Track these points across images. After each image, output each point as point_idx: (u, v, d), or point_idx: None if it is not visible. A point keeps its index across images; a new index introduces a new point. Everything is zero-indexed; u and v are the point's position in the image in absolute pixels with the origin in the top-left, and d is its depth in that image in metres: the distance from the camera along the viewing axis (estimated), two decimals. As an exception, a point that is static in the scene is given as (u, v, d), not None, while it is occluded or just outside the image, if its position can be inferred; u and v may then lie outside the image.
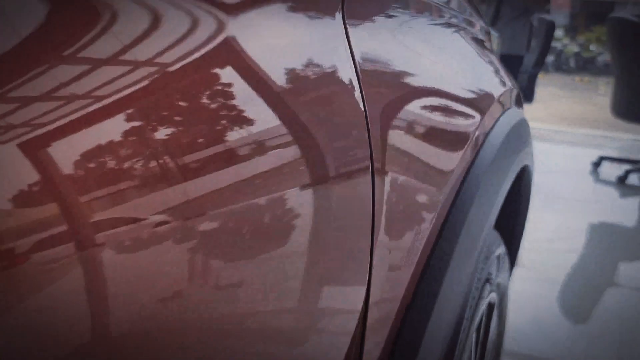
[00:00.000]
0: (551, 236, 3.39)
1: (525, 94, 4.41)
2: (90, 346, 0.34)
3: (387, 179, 0.62)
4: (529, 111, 1.53)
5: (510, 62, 4.08)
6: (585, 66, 18.67)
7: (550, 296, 2.78)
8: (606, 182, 4.51)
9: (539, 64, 4.52)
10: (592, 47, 19.02)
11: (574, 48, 17.99)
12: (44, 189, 0.32)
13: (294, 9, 0.53)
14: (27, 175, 0.31)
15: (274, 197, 0.48)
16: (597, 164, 4.64)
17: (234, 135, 0.44)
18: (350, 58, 0.56)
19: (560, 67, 17.47)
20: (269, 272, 0.49)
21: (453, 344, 0.76)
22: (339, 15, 0.57)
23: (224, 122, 0.45)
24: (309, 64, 0.52)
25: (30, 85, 0.34)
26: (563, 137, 6.10)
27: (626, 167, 4.40)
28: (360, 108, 0.55)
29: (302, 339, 0.56)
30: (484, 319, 0.94)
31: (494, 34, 1.45)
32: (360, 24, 0.61)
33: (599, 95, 10.12)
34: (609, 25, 4.03)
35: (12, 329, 0.30)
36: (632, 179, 4.39)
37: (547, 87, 9.82)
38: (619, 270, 3.18)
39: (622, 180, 4.32)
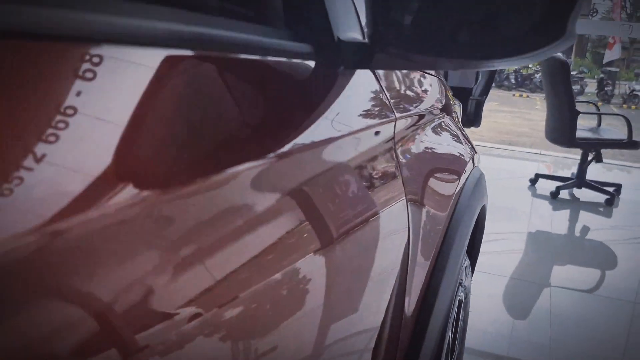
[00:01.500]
0: (494, 242, 3.63)
1: (473, 119, 4.82)
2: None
3: (414, 215, 0.87)
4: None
5: (461, 94, 4.32)
6: (523, 83, 19.64)
7: (495, 294, 3.03)
8: (541, 197, 4.83)
9: (485, 92, 4.77)
10: (531, 65, 19.94)
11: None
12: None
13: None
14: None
15: (349, 220, 0.62)
16: (533, 181, 5.03)
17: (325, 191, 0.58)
18: (395, 154, 0.91)
19: (502, 83, 18.32)
20: (335, 280, 0.58)
21: (444, 331, 1.03)
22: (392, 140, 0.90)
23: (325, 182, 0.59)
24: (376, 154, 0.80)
25: None
26: (504, 153, 6.49)
27: (557, 183, 4.77)
28: (399, 179, 0.88)
29: (338, 339, 0.62)
30: (456, 313, 1.32)
31: (459, 104, 1.81)
32: (400, 141, 0.97)
33: (536, 109, 10.66)
34: (543, 62, 4.49)
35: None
36: (563, 194, 4.78)
37: (488, 102, 10.29)
38: (553, 273, 3.45)
39: (554, 195, 4.70)
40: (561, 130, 4.42)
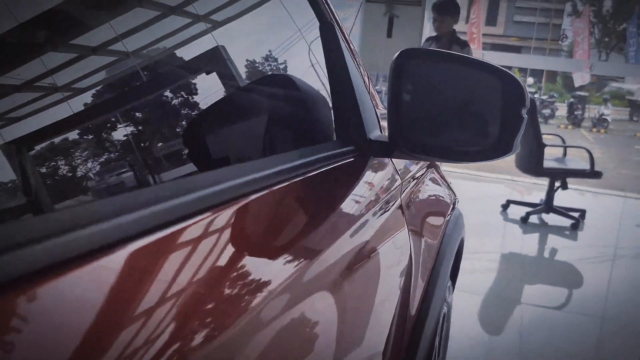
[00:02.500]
0: (470, 263, 3.85)
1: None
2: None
3: (414, 246, 1.26)
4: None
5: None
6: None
7: (470, 311, 3.24)
8: (512, 221, 5.17)
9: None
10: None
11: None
12: None
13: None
14: None
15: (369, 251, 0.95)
16: (505, 206, 5.39)
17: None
18: (401, 204, 1.30)
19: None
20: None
21: (434, 336, 1.34)
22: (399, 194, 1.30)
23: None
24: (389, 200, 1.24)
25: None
26: (479, 178, 6.88)
27: (527, 209, 5.15)
28: (404, 220, 1.26)
29: (360, 339, 0.88)
30: (441, 323, 1.68)
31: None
32: (404, 195, 1.34)
33: None
34: None
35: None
36: (532, 219, 5.12)
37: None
38: (524, 291, 3.75)
39: (524, 220, 5.05)
40: (529, 160, 4.84)
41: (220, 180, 0.61)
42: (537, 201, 5.36)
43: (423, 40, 5.42)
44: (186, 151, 0.70)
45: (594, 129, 19.18)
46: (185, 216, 0.54)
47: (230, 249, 0.58)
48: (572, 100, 21.05)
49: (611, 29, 36.44)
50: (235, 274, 0.58)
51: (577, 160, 5.24)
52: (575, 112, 20.15)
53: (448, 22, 4.51)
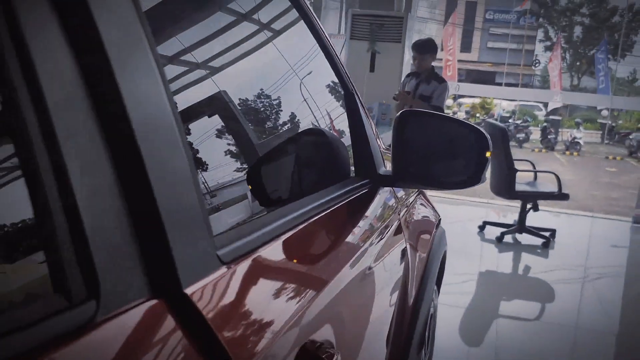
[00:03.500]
0: (449, 280, 3.99)
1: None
2: None
3: (411, 256, 1.66)
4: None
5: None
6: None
7: (450, 324, 3.43)
8: (488, 241, 5.56)
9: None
10: (478, 114, 21.21)
11: (461, 114, 19.93)
12: None
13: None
14: None
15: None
16: (482, 227, 5.79)
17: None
18: (400, 222, 1.70)
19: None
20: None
21: (424, 333, 1.77)
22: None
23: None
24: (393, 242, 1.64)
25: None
26: (457, 201, 7.24)
27: (502, 229, 5.55)
28: (403, 236, 1.67)
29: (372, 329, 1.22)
30: (430, 319, 2.06)
31: None
32: (403, 215, 1.75)
33: None
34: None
35: None
36: (507, 239, 5.52)
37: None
38: (501, 306, 4.06)
39: (499, 240, 5.45)
40: (502, 184, 5.28)
41: (295, 206, 0.99)
42: (511, 222, 5.76)
43: (403, 75, 5.87)
44: (249, 189, 1.03)
45: (567, 152, 19.77)
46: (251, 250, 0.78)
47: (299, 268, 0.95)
48: (545, 124, 21.71)
49: (582, 54, 37.66)
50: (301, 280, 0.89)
51: (546, 184, 5.70)
52: (549, 136, 20.73)
53: (427, 60, 4.96)
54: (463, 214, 6.87)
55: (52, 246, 0.47)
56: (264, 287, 0.78)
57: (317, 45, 1.30)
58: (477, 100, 25.09)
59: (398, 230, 1.53)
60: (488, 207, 7.26)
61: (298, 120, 1.24)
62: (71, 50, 0.51)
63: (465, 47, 34.67)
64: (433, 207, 2.17)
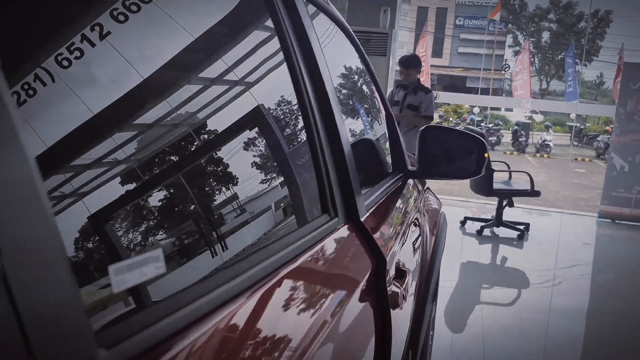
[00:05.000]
0: None
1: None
2: None
3: (428, 231, 2.31)
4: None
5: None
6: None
7: (437, 309, 3.79)
8: (469, 234, 6.17)
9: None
10: (451, 118, 21.98)
11: (435, 119, 20.72)
12: None
13: None
14: None
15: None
16: (463, 222, 6.43)
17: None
18: (420, 205, 2.32)
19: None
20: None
21: (436, 288, 2.45)
22: None
23: None
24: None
25: None
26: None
27: (481, 224, 6.21)
28: (424, 218, 2.30)
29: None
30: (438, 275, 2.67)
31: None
32: (420, 200, 2.37)
33: None
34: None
35: None
36: (486, 232, 6.17)
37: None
38: (481, 294, 4.51)
39: (479, 233, 6.11)
40: (481, 183, 5.93)
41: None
42: (489, 217, 6.41)
43: (390, 85, 6.49)
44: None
45: (538, 154, 20.65)
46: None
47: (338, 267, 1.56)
48: (516, 127, 22.52)
49: (550, 59, 39.02)
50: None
51: (520, 182, 6.39)
52: (520, 139, 21.54)
53: (412, 74, 5.60)
54: (446, 211, 7.46)
55: None
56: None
57: (364, 66, 1.93)
58: (450, 106, 25.93)
59: (421, 214, 2.16)
60: (468, 205, 7.90)
61: (358, 127, 1.85)
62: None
63: (437, 52, 35.61)
64: (436, 197, 2.81)
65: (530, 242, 6.13)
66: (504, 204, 6.15)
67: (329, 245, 1.02)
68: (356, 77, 1.91)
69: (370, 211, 1.34)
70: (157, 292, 0.57)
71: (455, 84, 31.14)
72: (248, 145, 0.86)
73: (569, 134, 26.26)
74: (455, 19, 37.89)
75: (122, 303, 0.53)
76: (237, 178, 0.80)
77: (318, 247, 0.95)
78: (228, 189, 0.78)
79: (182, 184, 0.70)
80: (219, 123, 0.80)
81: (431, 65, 24.44)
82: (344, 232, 1.12)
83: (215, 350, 0.57)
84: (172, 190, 0.66)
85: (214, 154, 0.77)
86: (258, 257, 0.75)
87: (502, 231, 6.25)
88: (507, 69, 36.60)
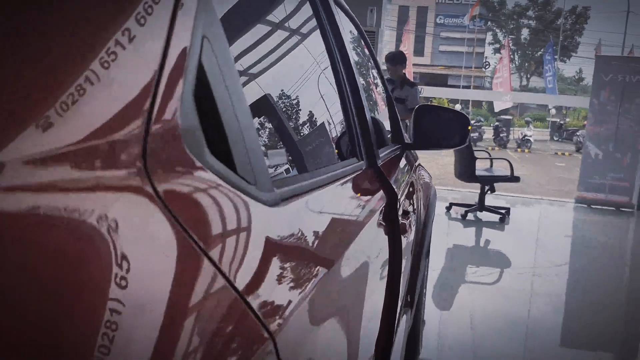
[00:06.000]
0: None
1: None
2: None
3: (423, 198, 2.75)
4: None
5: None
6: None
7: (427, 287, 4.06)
8: (454, 219, 6.63)
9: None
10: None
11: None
12: None
13: None
14: None
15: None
16: (448, 208, 6.89)
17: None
18: (414, 175, 2.77)
19: (410, 134, 20.64)
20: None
21: (429, 247, 2.89)
22: None
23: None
24: None
25: None
26: None
27: (465, 209, 6.66)
28: (418, 186, 2.75)
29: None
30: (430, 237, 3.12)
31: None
32: (415, 170, 2.81)
33: (443, 156, 12.45)
34: None
35: None
36: (470, 217, 6.62)
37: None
38: (467, 273, 4.82)
39: (463, 217, 6.58)
40: (465, 170, 6.41)
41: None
42: (472, 203, 6.86)
43: (379, 80, 6.92)
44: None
45: (519, 150, 21.12)
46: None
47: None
48: (497, 123, 22.95)
49: (530, 56, 39.78)
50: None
51: (500, 170, 6.87)
52: (501, 135, 22.01)
53: (398, 70, 6.06)
54: (431, 201, 7.93)
55: None
56: None
57: (370, 55, 2.37)
58: (433, 102, 26.46)
59: (416, 182, 2.59)
60: (453, 193, 8.35)
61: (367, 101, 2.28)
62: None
63: (419, 51, 36.16)
64: (427, 172, 3.26)
65: (511, 225, 6.59)
66: (486, 189, 6.62)
67: (358, 178, 1.44)
68: (368, 64, 2.36)
69: (383, 162, 1.77)
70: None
71: (437, 82, 31.69)
72: (317, 104, 1.33)
73: (549, 130, 26.94)
74: (436, 18, 38.51)
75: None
76: (316, 122, 1.28)
77: (350, 177, 1.37)
78: (312, 124, 1.25)
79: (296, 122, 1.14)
80: (313, 93, 1.31)
81: (413, 64, 25.00)
82: (367, 172, 1.55)
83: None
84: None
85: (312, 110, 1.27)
86: (312, 175, 1.11)
87: (484, 215, 6.71)
88: (487, 67, 37.28)
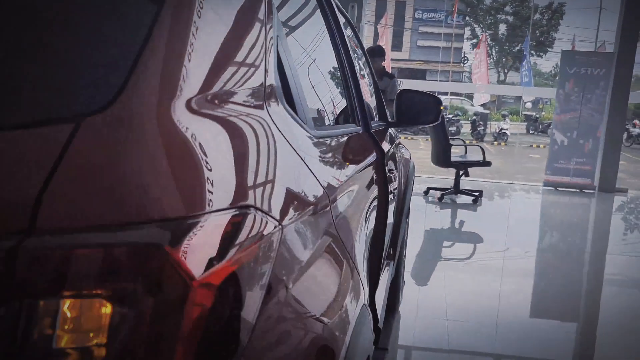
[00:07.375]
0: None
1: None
2: None
3: (404, 170, 3.38)
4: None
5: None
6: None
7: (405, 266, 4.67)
8: (431, 202, 7.23)
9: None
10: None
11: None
12: None
13: None
14: None
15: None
16: (426, 192, 7.50)
17: None
18: (397, 150, 3.37)
19: (390, 127, 21.25)
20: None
21: (409, 210, 3.53)
22: None
23: None
24: None
25: None
26: None
27: (442, 192, 7.27)
28: (401, 160, 3.35)
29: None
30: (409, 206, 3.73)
31: None
32: (396, 148, 3.42)
33: (420, 150, 12.69)
34: None
35: None
36: (446, 199, 7.22)
37: (383, 145, 12.68)
38: (442, 250, 5.38)
39: (440, 200, 7.19)
40: (441, 156, 7.05)
41: None
42: (448, 187, 7.48)
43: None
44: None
45: (496, 143, 21.80)
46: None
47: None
48: (474, 117, 23.59)
49: (507, 51, 40.61)
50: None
51: (473, 155, 7.52)
52: (478, 128, 22.63)
53: (377, 62, 6.63)
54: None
55: None
56: None
57: (359, 44, 2.98)
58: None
59: (400, 157, 3.19)
60: (430, 180, 8.93)
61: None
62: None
63: (396, 46, 36.70)
64: (407, 149, 3.88)
65: (483, 206, 7.27)
66: (461, 174, 7.27)
67: (355, 138, 2.04)
68: (362, 55, 2.96)
69: (374, 131, 2.38)
70: None
71: (415, 77, 32.27)
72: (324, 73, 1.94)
73: (525, 123, 27.70)
74: (414, 12, 39.10)
75: None
76: (334, 95, 1.90)
77: (352, 135, 1.97)
78: (333, 95, 1.87)
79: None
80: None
81: (392, 59, 25.52)
82: (363, 134, 2.16)
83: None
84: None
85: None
86: (330, 127, 1.74)
87: (459, 198, 7.36)
88: (465, 62, 38.03)
